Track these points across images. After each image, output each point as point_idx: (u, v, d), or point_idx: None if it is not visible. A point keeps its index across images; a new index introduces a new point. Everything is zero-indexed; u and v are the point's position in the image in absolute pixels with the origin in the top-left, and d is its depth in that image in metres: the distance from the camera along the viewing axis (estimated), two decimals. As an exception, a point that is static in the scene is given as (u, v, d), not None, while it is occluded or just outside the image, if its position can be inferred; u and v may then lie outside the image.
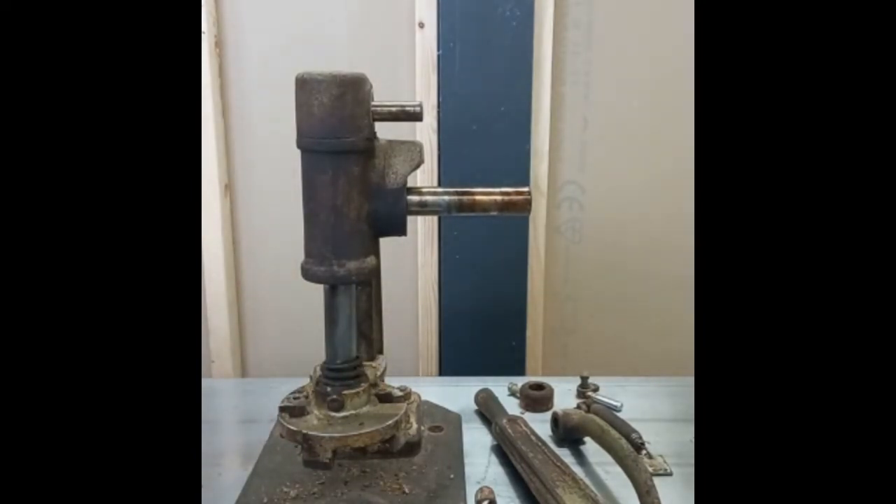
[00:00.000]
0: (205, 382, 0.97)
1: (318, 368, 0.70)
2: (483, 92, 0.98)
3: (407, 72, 1.00)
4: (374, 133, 0.66)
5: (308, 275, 0.65)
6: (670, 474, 0.74)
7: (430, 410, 0.82)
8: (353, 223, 0.64)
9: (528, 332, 1.07)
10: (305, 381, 0.69)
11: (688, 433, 0.81)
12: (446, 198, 0.70)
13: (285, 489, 0.68)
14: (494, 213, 0.70)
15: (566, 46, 1.00)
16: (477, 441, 0.80)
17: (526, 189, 0.70)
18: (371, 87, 0.65)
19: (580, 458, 0.77)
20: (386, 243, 0.70)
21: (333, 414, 0.66)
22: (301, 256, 0.66)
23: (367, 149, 0.65)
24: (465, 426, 0.82)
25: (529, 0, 0.95)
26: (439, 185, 1.01)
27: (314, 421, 0.66)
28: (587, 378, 0.93)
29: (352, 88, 0.62)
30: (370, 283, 0.73)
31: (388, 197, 0.67)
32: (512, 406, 0.88)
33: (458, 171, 1.00)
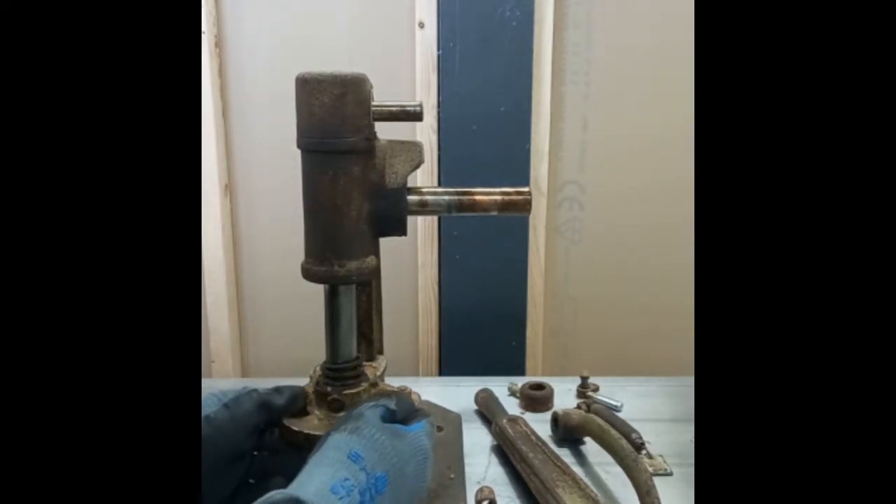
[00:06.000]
0: (205, 382, 0.97)
1: (318, 368, 0.70)
2: (483, 92, 0.98)
3: (407, 72, 1.00)
4: (375, 133, 0.66)
5: (308, 275, 0.65)
6: (670, 474, 0.74)
7: (430, 410, 0.82)
8: (353, 223, 0.64)
9: (528, 332, 1.07)
10: (305, 381, 0.69)
11: (688, 433, 0.81)
12: (446, 198, 0.70)
13: (285, 489, 0.68)
14: (494, 213, 0.70)
15: (566, 46, 1.00)
16: (477, 441, 0.80)
17: (526, 189, 0.70)
18: (371, 87, 0.65)
19: (580, 458, 0.77)
20: (386, 243, 0.70)
21: (334, 414, 0.66)
22: (301, 256, 0.66)
23: (368, 149, 0.65)
24: (465, 426, 0.82)
25: (529, 0, 0.95)
26: (439, 185, 1.01)
27: (315, 421, 0.66)
28: (587, 378, 0.93)
29: (352, 88, 0.62)
30: (370, 283, 0.73)
31: (388, 197, 0.67)
32: (512, 406, 0.88)
33: (458, 171, 1.00)
